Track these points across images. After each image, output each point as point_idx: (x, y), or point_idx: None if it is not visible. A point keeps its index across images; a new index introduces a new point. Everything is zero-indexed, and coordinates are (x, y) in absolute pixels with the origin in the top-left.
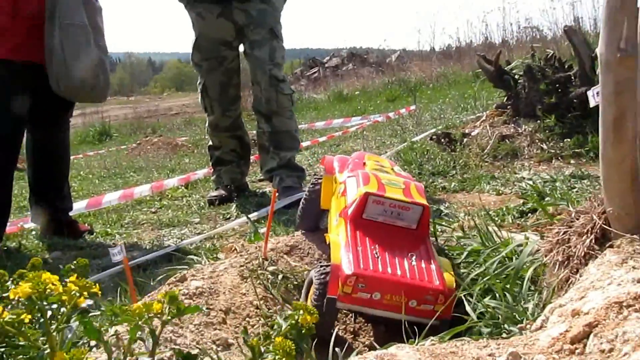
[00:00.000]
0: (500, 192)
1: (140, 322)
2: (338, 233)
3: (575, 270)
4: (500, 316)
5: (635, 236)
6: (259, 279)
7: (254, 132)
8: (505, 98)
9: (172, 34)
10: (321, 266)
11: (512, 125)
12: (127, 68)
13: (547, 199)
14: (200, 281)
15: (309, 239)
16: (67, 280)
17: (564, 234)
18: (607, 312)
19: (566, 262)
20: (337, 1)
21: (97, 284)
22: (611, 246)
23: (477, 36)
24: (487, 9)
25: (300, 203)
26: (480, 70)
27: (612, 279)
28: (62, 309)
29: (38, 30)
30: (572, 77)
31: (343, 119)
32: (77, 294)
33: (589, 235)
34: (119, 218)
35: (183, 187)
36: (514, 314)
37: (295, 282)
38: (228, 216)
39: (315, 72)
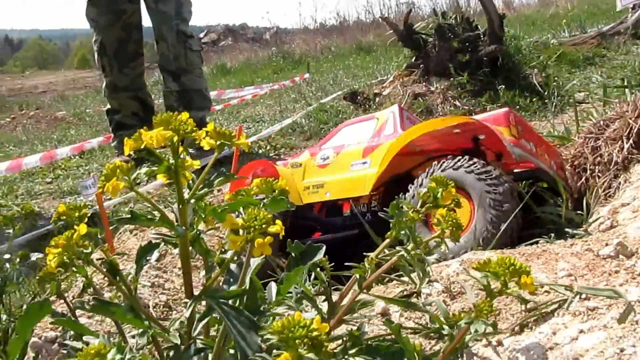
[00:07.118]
0: None
1: None
2: None
3: (614, 175)
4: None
5: None
6: None
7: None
8: (414, 58)
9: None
10: None
11: (424, 83)
12: None
13: None
14: None
15: None
16: None
17: (594, 141)
18: None
19: (603, 169)
20: None
21: None
22: None
23: (357, 10)
24: None
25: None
26: (362, 42)
27: None
28: None
29: None
30: (481, 36)
31: (235, 89)
32: None
33: (625, 140)
34: (10, 190)
35: (77, 157)
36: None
37: None
38: (138, 181)
39: None
